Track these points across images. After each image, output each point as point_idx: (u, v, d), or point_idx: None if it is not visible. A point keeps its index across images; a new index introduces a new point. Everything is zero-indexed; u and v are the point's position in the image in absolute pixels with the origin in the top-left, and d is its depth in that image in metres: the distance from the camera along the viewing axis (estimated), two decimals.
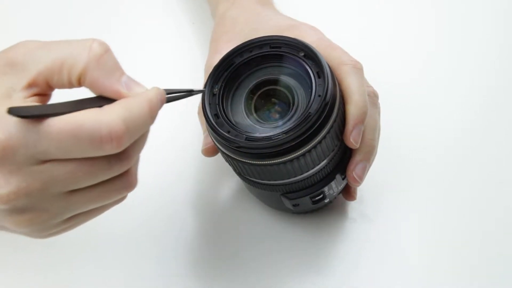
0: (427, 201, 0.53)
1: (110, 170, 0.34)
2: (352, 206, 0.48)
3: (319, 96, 0.40)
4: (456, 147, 0.56)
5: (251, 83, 0.44)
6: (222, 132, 0.41)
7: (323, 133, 0.40)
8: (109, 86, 0.34)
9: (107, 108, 0.33)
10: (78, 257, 0.52)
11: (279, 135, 0.39)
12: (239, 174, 0.46)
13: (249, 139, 0.40)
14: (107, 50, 0.35)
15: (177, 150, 0.56)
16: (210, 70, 0.51)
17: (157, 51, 0.66)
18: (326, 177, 0.45)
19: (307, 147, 0.40)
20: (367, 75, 0.47)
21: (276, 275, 0.50)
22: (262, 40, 0.44)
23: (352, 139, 0.44)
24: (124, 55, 0.64)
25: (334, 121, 0.41)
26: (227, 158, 0.43)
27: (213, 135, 0.42)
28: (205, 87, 0.43)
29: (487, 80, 0.60)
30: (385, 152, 0.49)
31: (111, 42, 0.69)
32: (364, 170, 0.47)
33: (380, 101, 0.48)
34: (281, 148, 0.40)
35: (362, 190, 0.48)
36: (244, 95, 0.44)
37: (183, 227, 0.52)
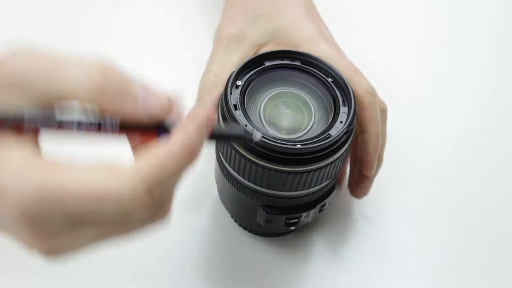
0: (428, 201, 0.55)
1: (144, 225, 0.31)
2: (354, 207, 0.49)
3: (341, 122, 0.41)
4: (457, 149, 0.59)
5: (273, 89, 0.44)
6: (241, 123, 0.40)
7: (335, 157, 0.41)
8: (126, 114, 0.30)
9: (128, 172, 0.29)
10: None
11: (296, 144, 0.39)
12: (226, 174, 0.45)
13: (266, 138, 0.39)
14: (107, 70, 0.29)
15: None
16: (223, 36, 0.50)
17: (159, 36, 0.65)
18: (309, 204, 0.46)
19: (315, 166, 0.40)
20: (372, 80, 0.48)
21: (275, 275, 0.50)
22: (296, 53, 0.45)
23: (371, 167, 0.46)
24: (127, 40, 0.63)
25: (346, 149, 0.42)
26: (228, 153, 0.42)
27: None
28: (230, 77, 0.43)
29: (488, 87, 0.64)
30: (388, 153, 0.50)
31: (113, 35, 0.66)
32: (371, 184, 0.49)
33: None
34: (293, 157, 0.40)
35: None
36: (263, 99, 0.44)
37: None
